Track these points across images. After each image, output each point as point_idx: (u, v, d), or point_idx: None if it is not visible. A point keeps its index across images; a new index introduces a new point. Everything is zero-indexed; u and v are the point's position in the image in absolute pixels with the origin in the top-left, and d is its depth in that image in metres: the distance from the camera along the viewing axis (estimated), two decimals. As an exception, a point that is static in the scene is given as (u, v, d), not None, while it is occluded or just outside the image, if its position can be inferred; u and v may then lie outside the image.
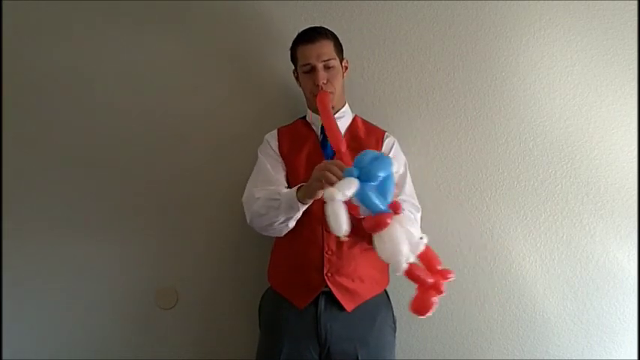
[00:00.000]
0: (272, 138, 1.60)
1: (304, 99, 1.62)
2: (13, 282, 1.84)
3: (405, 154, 1.64)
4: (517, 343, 1.82)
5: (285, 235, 1.46)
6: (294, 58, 1.57)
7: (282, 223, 1.41)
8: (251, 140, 1.69)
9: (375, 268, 1.54)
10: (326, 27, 1.57)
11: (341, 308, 1.47)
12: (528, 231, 1.81)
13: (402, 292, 1.78)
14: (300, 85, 1.60)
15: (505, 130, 1.80)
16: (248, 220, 1.51)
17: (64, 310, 1.85)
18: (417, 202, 1.57)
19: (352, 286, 1.48)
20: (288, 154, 1.55)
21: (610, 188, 1.79)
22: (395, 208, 1.11)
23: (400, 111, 1.81)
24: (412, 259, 1.06)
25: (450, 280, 1.09)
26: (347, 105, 1.62)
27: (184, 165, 1.83)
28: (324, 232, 1.46)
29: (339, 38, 1.58)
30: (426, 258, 1.08)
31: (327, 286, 1.47)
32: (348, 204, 1.11)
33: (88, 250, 1.83)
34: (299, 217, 1.41)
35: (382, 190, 1.13)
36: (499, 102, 1.80)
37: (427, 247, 1.09)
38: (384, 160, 1.13)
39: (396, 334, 1.60)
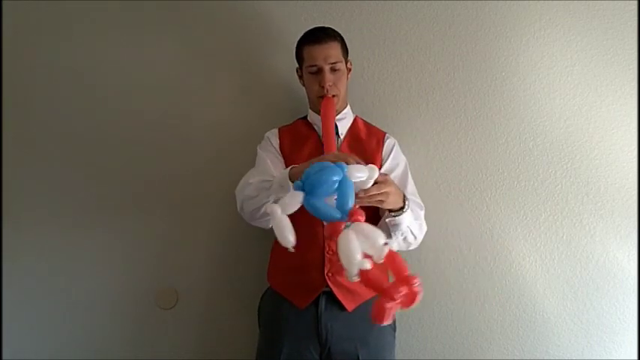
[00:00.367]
0: (273, 136, 1.60)
1: (305, 99, 1.62)
2: (13, 282, 1.84)
3: (405, 154, 1.64)
4: (517, 343, 1.82)
5: None
6: (299, 57, 1.57)
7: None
8: (251, 140, 1.69)
9: (376, 268, 1.54)
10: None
11: (341, 308, 1.47)
12: (528, 231, 1.81)
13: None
14: (303, 84, 1.59)
15: (505, 130, 1.81)
16: (238, 207, 1.49)
17: (64, 310, 1.85)
18: (419, 200, 1.57)
19: (353, 286, 1.48)
20: (289, 154, 1.55)
21: (610, 188, 1.79)
22: (352, 215, 1.11)
23: (400, 111, 1.81)
24: (366, 266, 1.05)
25: (414, 285, 1.05)
26: (348, 106, 1.62)
27: (184, 165, 1.84)
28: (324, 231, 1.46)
29: (340, 38, 1.58)
30: (392, 264, 1.06)
31: (327, 286, 1.47)
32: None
33: (88, 250, 1.83)
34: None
35: (339, 197, 1.13)
36: (499, 102, 1.80)
37: (392, 253, 1.07)
38: (330, 171, 1.12)
39: (396, 333, 1.60)
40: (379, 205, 1.33)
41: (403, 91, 1.81)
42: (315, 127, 1.59)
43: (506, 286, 1.81)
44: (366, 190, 1.24)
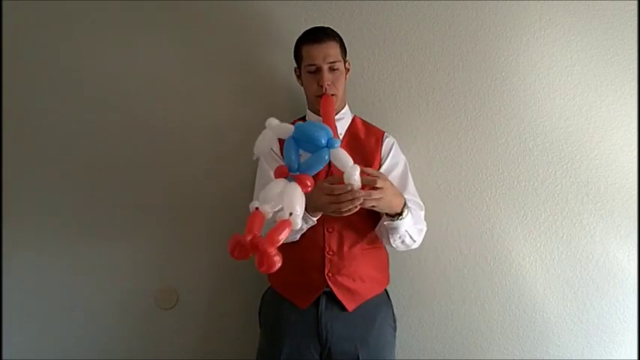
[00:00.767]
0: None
1: (304, 99, 1.62)
2: (13, 282, 1.84)
3: (405, 154, 1.64)
4: (517, 343, 1.82)
5: None
6: (297, 57, 1.56)
7: (296, 233, 1.41)
8: (252, 140, 1.67)
9: (376, 268, 1.55)
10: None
11: (342, 308, 1.47)
12: (528, 231, 1.81)
13: (403, 292, 1.79)
14: (301, 84, 1.59)
15: (505, 130, 1.80)
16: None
17: (64, 310, 1.85)
18: (419, 201, 1.57)
19: (353, 286, 1.48)
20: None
21: (610, 188, 1.79)
22: (302, 179, 1.19)
23: (400, 111, 1.81)
24: (267, 216, 1.14)
25: (262, 248, 1.08)
26: (347, 106, 1.62)
27: (184, 165, 1.84)
28: (325, 232, 1.47)
29: (339, 38, 1.58)
30: (275, 229, 1.10)
31: (328, 286, 1.47)
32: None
33: (88, 250, 1.84)
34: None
35: (310, 158, 1.21)
36: (499, 102, 1.80)
37: (283, 223, 1.11)
38: (319, 133, 1.21)
39: (396, 333, 1.60)
40: (374, 207, 1.33)
41: (403, 91, 1.81)
42: (314, 127, 1.58)
43: (506, 286, 1.81)
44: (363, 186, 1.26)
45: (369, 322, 1.51)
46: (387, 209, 1.36)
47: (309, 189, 1.19)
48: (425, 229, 1.55)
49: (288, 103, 1.78)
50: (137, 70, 1.82)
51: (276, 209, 1.14)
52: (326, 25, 1.57)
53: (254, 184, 1.58)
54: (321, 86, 1.49)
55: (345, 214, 1.28)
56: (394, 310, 1.61)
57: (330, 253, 1.47)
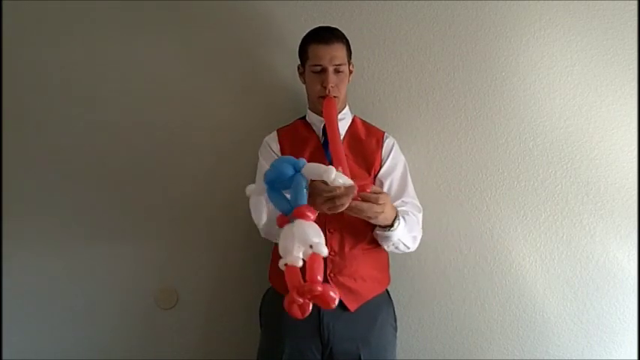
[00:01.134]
0: (272, 140, 1.60)
1: (305, 99, 1.62)
2: (13, 282, 1.84)
3: (405, 154, 1.64)
4: (517, 343, 1.82)
5: None
6: (303, 55, 1.55)
7: None
8: (252, 140, 1.69)
9: (377, 268, 1.55)
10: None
11: (343, 308, 1.47)
12: (528, 231, 1.81)
13: (403, 292, 1.79)
14: (303, 82, 1.59)
15: (505, 130, 1.80)
16: (261, 234, 1.52)
17: (64, 310, 1.85)
18: (418, 203, 1.57)
19: (355, 286, 1.48)
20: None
21: (610, 188, 1.79)
22: (299, 212, 1.15)
23: (400, 111, 1.81)
24: (297, 263, 1.09)
25: (314, 292, 1.06)
26: (347, 107, 1.62)
27: (185, 165, 1.84)
28: (327, 233, 1.46)
29: (340, 39, 1.58)
30: (310, 266, 1.09)
31: (328, 286, 1.47)
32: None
33: (88, 250, 1.84)
34: None
35: (291, 192, 1.19)
36: (499, 102, 1.80)
37: (314, 257, 1.09)
38: (284, 166, 1.21)
39: (397, 333, 1.60)
40: (368, 219, 1.35)
41: (403, 91, 1.81)
42: (315, 127, 1.58)
43: (506, 286, 1.81)
44: (362, 196, 1.28)
45: (370, 322, 1.51)
46: (382, 222, 1.39)
47: (313, 216, 1.16)
48: (419, 235, 1.54)
49: (289, 103, 1.78)
50: (137, 70, 1.82)
51: (301, 253, 1.11)
52: (329, 25, 1.57)
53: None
54: (325, 87, 1.49)
55: (340, 210, 1.28)
56: (395, 310, 1.61)
57: (332, 253, 1.47)
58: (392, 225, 1.40)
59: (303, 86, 1.60)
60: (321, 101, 1.50)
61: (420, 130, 1.81)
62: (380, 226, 1.42)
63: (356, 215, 1.32)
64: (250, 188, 1.25)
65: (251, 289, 1.76)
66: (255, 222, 1.34)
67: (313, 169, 1.20)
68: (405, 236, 1.46)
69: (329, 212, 1.28)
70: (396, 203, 1.52)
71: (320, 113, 1.52)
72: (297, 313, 1.09)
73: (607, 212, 1.79)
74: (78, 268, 1.84)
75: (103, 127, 1.83)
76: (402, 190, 1.54)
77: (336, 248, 1.47)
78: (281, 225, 1.18)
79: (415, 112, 1.81)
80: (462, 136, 1.81)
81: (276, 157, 1.55)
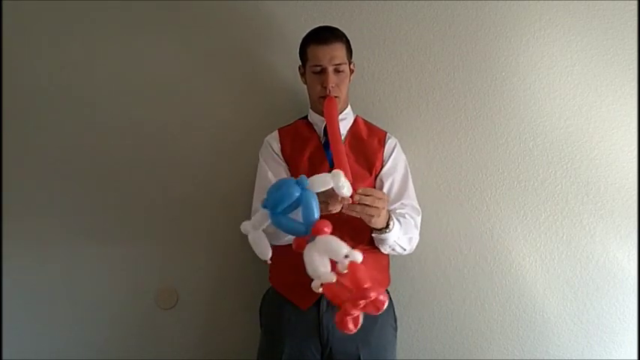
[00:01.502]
0: (273, 140, 1.59)
1: (306, 99, 1.62)
2: (13, 282, 1.84)
3: (405, 154, 1.64)
4: (517, 343, 1.82)
5: None
6: (303, 56, 1.55)
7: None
8: (252, 140, 1.70)
9: (377, 269, 1.54)
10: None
11: (343, 309, 1.47)
12: (528, 231, 1.81)
13: (403, 292, 1.79)
14: (304, 82, 1.59)
15: (505, 130, 1.80)
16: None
17: (64, 310, 1.85)
18: (417, 205, 1.57)
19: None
20: (290, 156, 1.55)
21: (610, 188, 1.79)
22: (317, 228, 1.13)
23: (400, 111, 1.81)
24: (332, 279, 1.09)
25: (369, 298, 1.06)
26: (349, 107, 1.62)
27: (184, 165, 1.84)
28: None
29: (341, 39, 1.57)
30: (352, 276, 1.08)
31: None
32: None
33: (88, 250, 1.84)
34: None
35: (302, 211, 1.16)
36: (499, 102, 1.80)
37: (354, 265, 1.08)
38: (288, 187, 1.16)
39: (397, 333, 1.60)
40: (367, 221, 1.34)
41: (403, 91, 1.81)
42: (316, 127, 1.58)
43: (506, 286, 1.81)
44: (358, 196, 1.28)
45: (370, 323, 1.49)
46: (379, 225, 1.38)
47: (329, 230, 1.14)
48: (416, 237, 1.54)
49: (289, 103, 1.78)
50: (137, 70, 1.82)
51: (328, 269, 1.11)
52: (330, 25, 1.56)
53: (254, 185, 1.58)
54: (325, 87, 1.49)
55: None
56: (395, 311, 1.61)
57: (332, 253, 1.47)
58: (387, 226, 1.40)
59: (304, 86, 1.60)
60: (322, 101, 1.50)
61: (420, 130, 1.81)
62: (375, 229, 1.42)
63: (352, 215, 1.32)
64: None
65: (251, 289, 1.76)
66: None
67: (320, 180, 1.18)
68: (401, 238, 1.46)
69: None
70: (395, 206, 1.52)
71: (321, 113, 1.52)
72: (351, 326, 1.07)
73: (607, 212, 1.79)
74: (78, 268, 1.84)
75: (102, 127, 1.83)
76: (402, 192, 1.54)
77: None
78: (300, 248, 1.15)
79: (415, 112, 1.81)
80: (462, 136, 1.81)
81: (276, 157, 1.55)
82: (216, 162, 1.83)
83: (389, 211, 1.43)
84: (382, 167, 1.55)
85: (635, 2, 1.78)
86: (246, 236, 1.74)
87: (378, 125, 1.65)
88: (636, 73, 1.78)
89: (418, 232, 1.55)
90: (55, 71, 1.82)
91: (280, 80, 1.80)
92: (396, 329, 1.59)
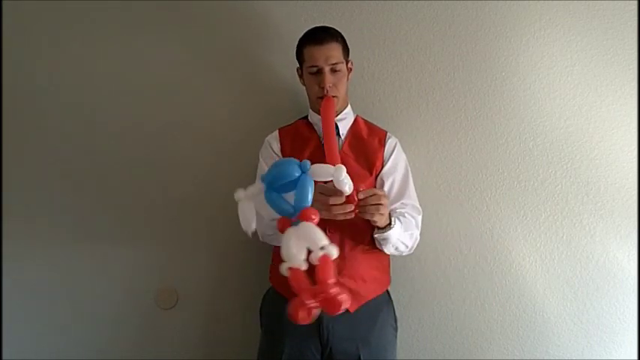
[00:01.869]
0: (273, 140, 1.60)
1: (306, 98, 1.62)
2: (13, 282, 1.84)
3: (405, 154, 1.64)
4: (517, 343, 1.82)
5: None
6: (299, 57, 1.56)
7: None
8: (251, 140, 1.70)
9: (377, 269, 1.54)
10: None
11: (343, 309, 1.47)
12: (528, 231, 1.81)
13: (403, 292, 1.79)
14: (303, 84, 1.59)
15: (505, 130, 1.80)
16: (260, 237, 1.53)
17: (64, 310, 1.85)
18: (417, 204, 1.57)
19: (355, 287, 1.48)
20: (290, 156, 1.54)
21: (610, 188, 1.79)
22: (303, 214, 1.14)
23: (400, 111, 1.81)
24: (301, 265, 1.10)
25: (327, 294, 1.06)
26: (349, 106, 1.61)
27: (184, 165, 1.84)
28: (327, 234, 1.45)
29: (340, 38, 1.57)
30: (321, 268, 1.09)
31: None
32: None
33: (88, 250, 1.84)
34: None
35: (296, 193, 1.16)
36: (499, 102, 1.80)
37: (326, 258, 1.09)
38: (290, 166, 1.17)
39: (397, 333, 1.60)
40: (370, 218, 1.34)
41: (403, 91, 1.81)
42: (316, 127, 1.58)
43: (506, 286, 1.81)
44: (364, 195, 1.29)
45: (370, 323, 1.51)
46: (382, 223, 1.39)
47: (317, 219, 1.15)
48: (417, 233, 1.55)
49: (289, 103, 1.78)
50: (137, 71, 1.82)
51: (303, 255, 1.11)
52: (327, 25, 1.56)
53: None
54: (323, 88, 1.49)
55: (340, 218, 1.30)
56: (395, 311, 1.61)
57: (332, 253, 1.47)
58: (389, 223, 1.40)
59: (304, 86, 1.60)
60: (321, 102, 1.50)
61: (420, 130, 1.81)
62: (378, 228, 1.42)
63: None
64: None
65: (251, 289, 1.76)
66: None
67: (322, 170, 1.19)
68: (402, 235, 1.46)
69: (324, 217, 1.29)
70: (396, 205, 1.52)
71: (320, 113, 1.51)
72: (304, 317, 1.07)
73: (607, 212, 1.79)
74: (78, 268, 1.84)
75: (102, 127, 1.83)
76: (402, 191, 1.54)
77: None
78: (283, 228, 1.15)
79: (415, 112, 1.81)
80: (462, 136, 1.81)
81: (276, 157, 1.55)
82: (216, 162, 1.83)
83: (389, 211, 1.43)
84: (382, 167, 1.55)
85: (635, 2, 1.78)
86: (246, 236, 1.76)
87: (379, 125, 1.65)
88: (636, 73, 1.78)
89: (419, 231, 1.55)
90: (55, 71, 1.82)
91: (280, 80, 1.80)
92: (396, 329, 1.59)
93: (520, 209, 1.81)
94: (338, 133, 1.54)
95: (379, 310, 1.53)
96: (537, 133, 1.80)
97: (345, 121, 1.58)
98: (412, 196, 1.57)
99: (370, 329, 1.50)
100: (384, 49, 1.80)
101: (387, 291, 1.61)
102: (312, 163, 1.52)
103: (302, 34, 1.55)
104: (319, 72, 1.49)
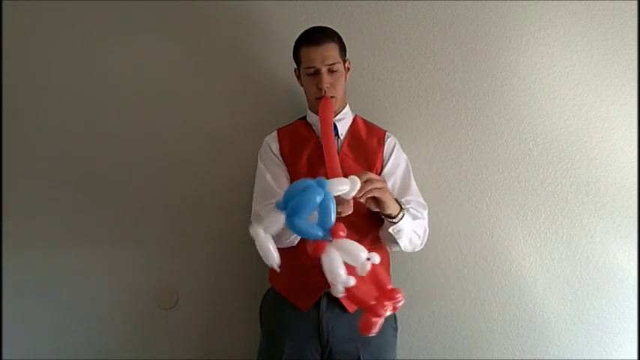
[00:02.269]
0: (272, 141, 1.59)
1: (304, 99, 1.62)
2: (13, 282, 1.84)
3: (405, 154, 1.63)
4: (517, 343, 1.82)
5: None
6: (296, 58, 1.56)
7: (294, 237, 1.40)
8: (251, 140, 1.69)
9: (361, 282, 1.53)
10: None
11: (343, 309, 1.47)
12: (528, 231, 1.81)
13: (403, 292, 1.78)
14: (301, 85, 1.59)
15: (505, 130, 1.80)
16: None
17: (64, 310, 1.85)
18: (422, 200, 1.56)
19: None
20: (289, 156, 1.55)
21: (610, 188, 1.79)
22: (335, 232, 1.12)
23: (400, 111, 1.81)
24: (350, 283, 1.08)
25: (397, 300, 1.07)
26: (348, 106, 1.61)
27: (184, 165, 1.84)
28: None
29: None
30: (375, 278, 1.08)
31: (329, 287, 1.46)
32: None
33: (88, 250, 1.84)
34: None
35: (321, 215, 1.13)
36: (499, 102, 1.80)
37: (375, 267, 1.09)
38: (313, 191, 1.11)
39: (397, 333, 1.60)
40: (376, 204, 1.33)
41: (403, 91, 1.81)
42: (315, 127, 1.58)
43: (506, 286, 1.81)
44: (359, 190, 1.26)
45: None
46: (390, 202, 1.35)
47: (344, 233, 1.13)
48: (425, 224, 1.53)
49: (289, 104, 1.78)
50: (137, 71, 1.82)
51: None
52: (325, 25, 1.56)
53: (254, 185, 1.57)
54: (320, 88, 1.48)
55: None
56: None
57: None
58: (401, 210, 1.38)
59: (302, 87, 1.60)
60: (319, 102, 1.49)
61: (420, 130, 1.81)
62: (389, 219, 1.39)
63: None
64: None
65: (251, 289, 1.76)
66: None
67: (338, 185, 1.16)
68: (413, 224, 1.45)
69: None
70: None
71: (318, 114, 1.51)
72: (376, 329, 1.07)
73: (607, 212, 1.79)
74: (78, 268, 1.84)
75: (102, 127, 1.83)
76: (405, 189, 1.54)
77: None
78: (317, 253, 1.11)
79: (415, 112, 1.81)
80: (462, 136, 1.81)
81: (275, 158, 1.55)
82: (215, 162, 1.83)
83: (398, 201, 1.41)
84: (383, 167, 1.54)
85: (635, 2, 1.78)
86: (246, 236, 1.76)
87: (378, 125, 1.65)
88: (636, 73, 1.78)
89: (427, 223, 1.54)
90: (55, 71, 1.82)
91: (280, 80, 1.80)
92: (396, 329, 1.59)
93: (520, 209, 1.81)
94: (337, 134, 1.54)
95: (379, 310, 1.53)
96: (537, 133, 1.80)
97: (343, 122, 1.58)
98: (415, 193, 1.56)
99: (370, 329, 1.50)
100: (384, 49, 1.80)
101: (387, 291, 1.61)
102: (311, 163, 1.52)
103: (300, 34, 1.55)
104: (316, 73, 1.49)
